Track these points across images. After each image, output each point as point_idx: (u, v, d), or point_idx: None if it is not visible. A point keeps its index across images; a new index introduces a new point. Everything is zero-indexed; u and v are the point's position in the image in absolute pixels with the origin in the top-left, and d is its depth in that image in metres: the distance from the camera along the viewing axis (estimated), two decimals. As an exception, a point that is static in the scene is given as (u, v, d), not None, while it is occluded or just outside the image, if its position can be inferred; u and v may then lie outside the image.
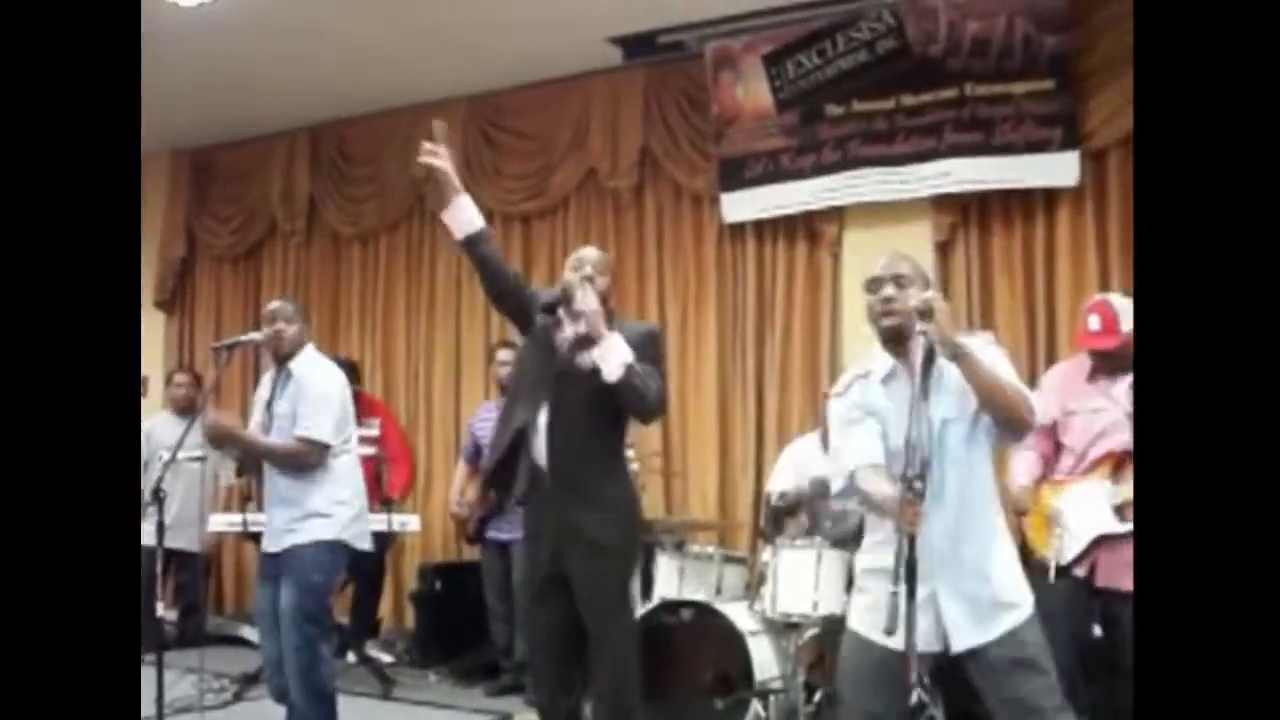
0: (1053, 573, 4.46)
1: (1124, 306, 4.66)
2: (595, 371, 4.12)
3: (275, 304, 5.22)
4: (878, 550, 3.48)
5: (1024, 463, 4.78)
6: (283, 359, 5.12)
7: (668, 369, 7.04)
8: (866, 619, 3.48)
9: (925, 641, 3.31)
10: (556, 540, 4.23)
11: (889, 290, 3.40)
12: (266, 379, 5.29)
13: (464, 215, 4.34)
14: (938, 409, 3.40)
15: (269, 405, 5.11)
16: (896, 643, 3.27)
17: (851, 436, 3.53)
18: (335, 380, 5.17)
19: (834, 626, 5.20)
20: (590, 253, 4.41)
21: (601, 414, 4.24)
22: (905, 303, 3.33)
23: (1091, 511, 4.46)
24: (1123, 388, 4.63)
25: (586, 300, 4.12)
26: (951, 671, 3.65)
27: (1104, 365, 4.71)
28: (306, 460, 4.97)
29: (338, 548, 5.09)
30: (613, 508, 4.27)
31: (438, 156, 4.32)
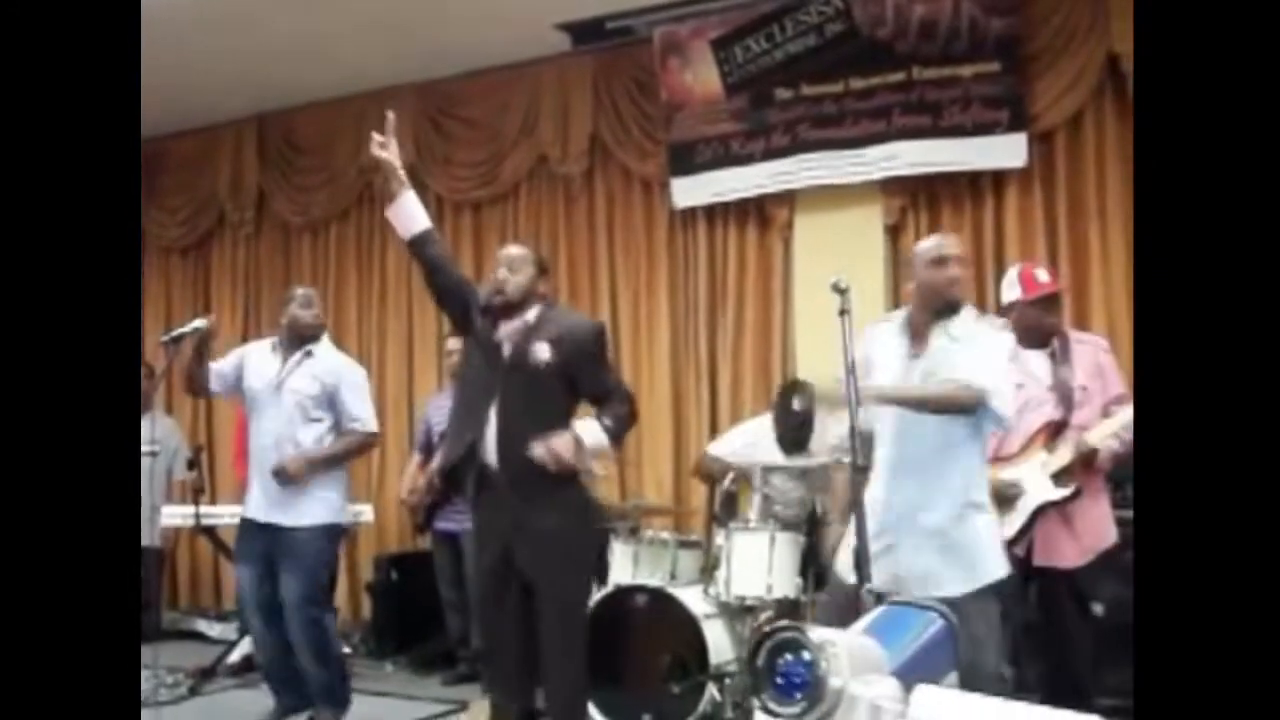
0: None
1: (1040, 271, 4.86)
2: (540, 365, 4.17)
3: (304, 290, 5.58)
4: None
5: None
6: (307, 340, 5.36)
7: (620, 357, 7.17)
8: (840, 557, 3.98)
9: (883, 585, 3.58)
10: (508, 537, 4.24)
11: (956, 270, 3.92)
12: (263, 351, 5.47)
13: (409, 213, 4.40)
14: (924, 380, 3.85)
15: (278, 378, 5.31)
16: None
17: None
18: (356, 373, 5.53)
19: (788, 609, 5.22)
20: (511, 249, 4.53)
21: (549, 407, 4.27)
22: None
23: (1032, 485, 4.49)
24: (1040, 362, 4.68)
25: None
26: None
27: (1023, 337, 4.72)
28: (369, 450, 5.57)
29: (335, 530, 5.41)
30: (566, 502, 4.28)
31: (386, 149, 4.34)
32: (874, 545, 3.71)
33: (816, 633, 2.55)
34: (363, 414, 5.38)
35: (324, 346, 5.46)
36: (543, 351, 4.23)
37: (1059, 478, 4.46)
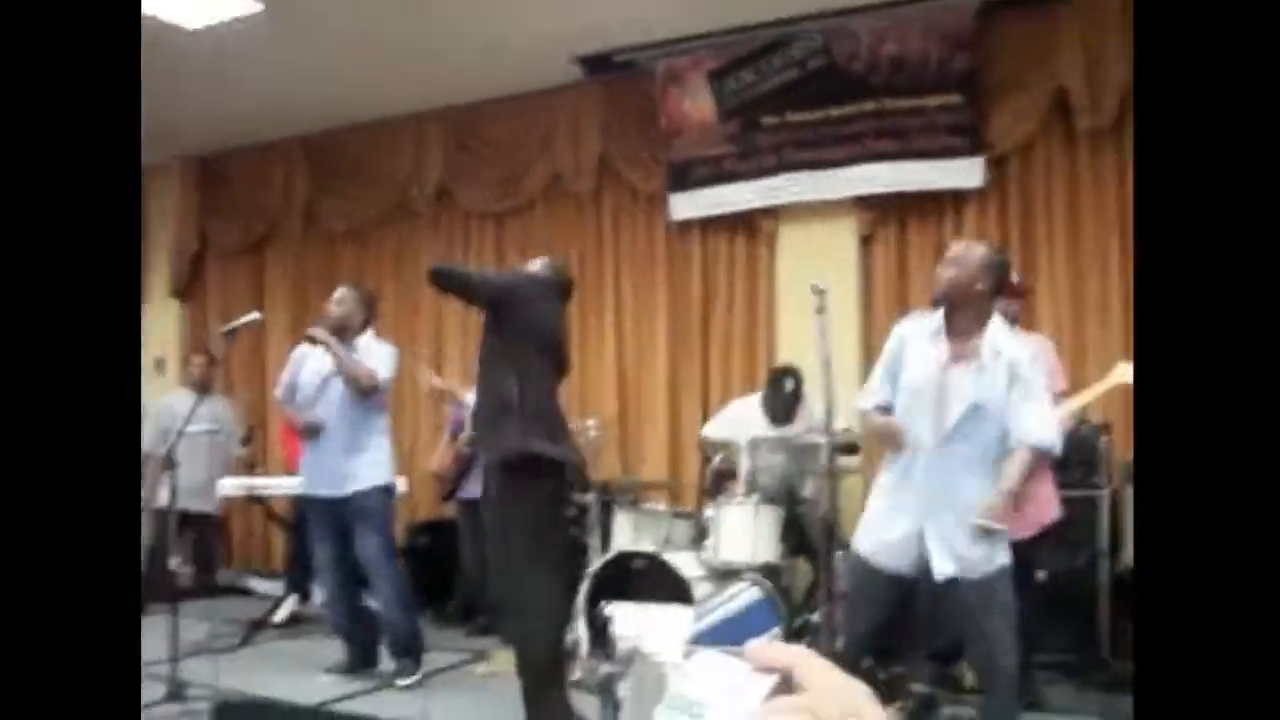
0: None
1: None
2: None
3: (341, 290, 5.54)
4: (882, 476, 3.79)
5: None
6: (346, 333, 5.37)
7: (624, 349, 7.16)
8: (859, 537, 3.79)
9: (905, 566, 3.61)
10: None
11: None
12: (316, 352, 5.42)
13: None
14: (981, 390, 3.59)
15: (327, 373, 5.34)
16: (881, 560, 3.65)
17: (874, 373, 3.85)
18: (390, 355, 5.48)
19: (769, 573, 5.24)
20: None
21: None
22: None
23: None
24: None
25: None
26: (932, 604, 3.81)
27: None
28: (365, 383, 5.25)
29: (390, 489, 5.46)
30: (508, 465, 4.21)
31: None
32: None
33: (615, 606, 2.89)
34: (377, 368, 5.32)
35: (365, 341, 5.43)
36: None
37: None
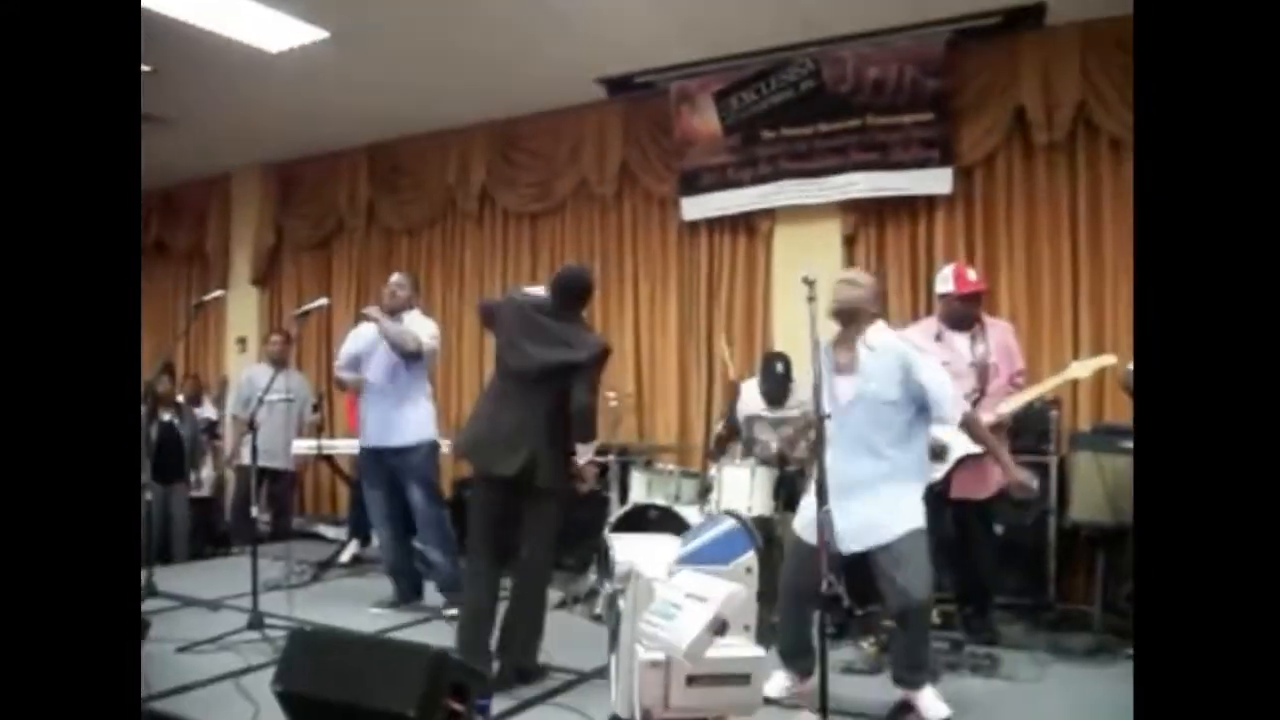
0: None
1: (970, 271, 4.84)
2: None
3: (397, 275, 5.60)
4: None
5: None
6: (398, 310, 5.41)
7: (639, 332, 7.14)
8: (795, 519, 3.95)
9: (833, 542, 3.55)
10: None
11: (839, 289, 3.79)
12: (369, 324, 5.49)
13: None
14: (861, 384, 3.68)
15: (377, 340, 5.38)
16: (807, 535, 3.71)
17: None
18: (433, 327, 5.53)
19: (763, 525, 5.24)
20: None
21: None
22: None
23: (957, 441, 4.47)
24: (962, 342, 4.66)
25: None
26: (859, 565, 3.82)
27: (951, 322, 4.71)
28: (409, 346, 5.25)
29: (434, 444, 5.48)
30: None
31: None
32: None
33: (616, 536, 3.02)
34: (421, 336, 5.34)
35: (411, 315, 5.47)
36: None
37: None
